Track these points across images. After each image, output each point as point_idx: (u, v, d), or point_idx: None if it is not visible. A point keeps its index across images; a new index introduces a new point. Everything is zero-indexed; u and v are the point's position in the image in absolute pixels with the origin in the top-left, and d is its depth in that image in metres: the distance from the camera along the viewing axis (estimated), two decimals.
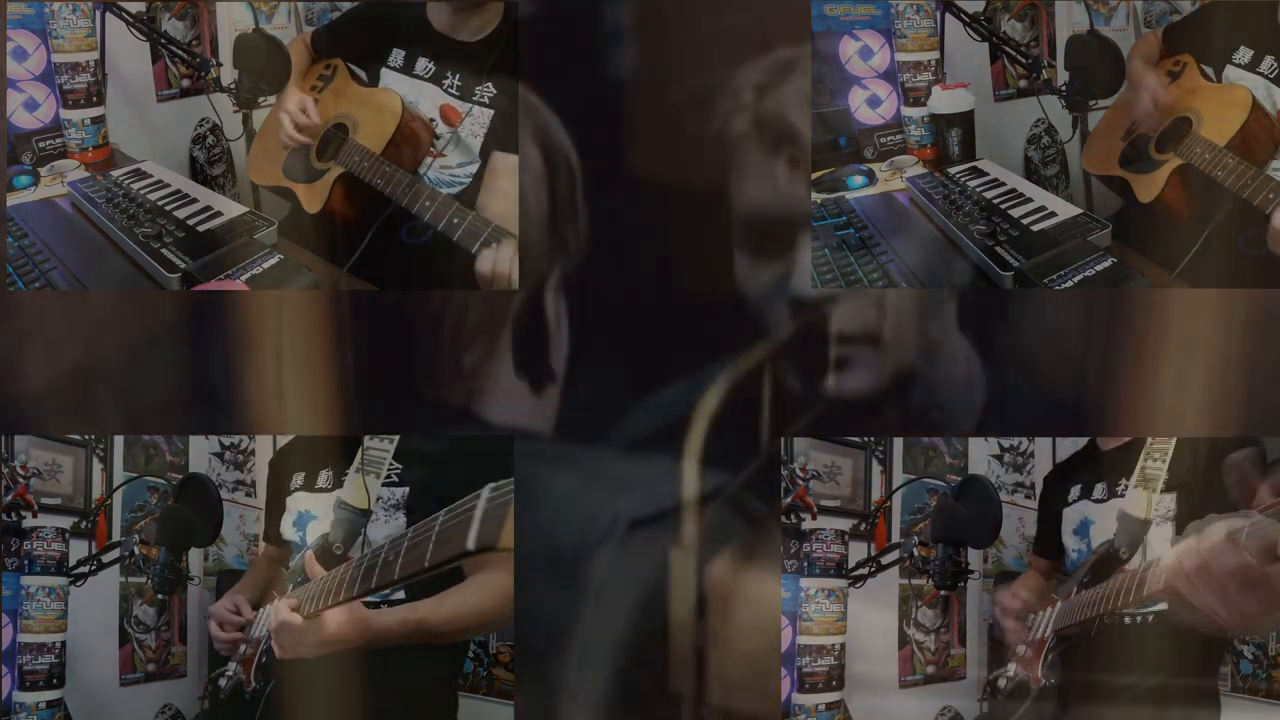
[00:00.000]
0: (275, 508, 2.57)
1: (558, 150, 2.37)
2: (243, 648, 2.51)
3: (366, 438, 2.44)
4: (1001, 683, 2.55)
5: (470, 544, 1.82)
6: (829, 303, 2.44)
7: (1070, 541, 2.53)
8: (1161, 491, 2.44)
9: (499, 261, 2.40)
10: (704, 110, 2.42)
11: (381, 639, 2.37)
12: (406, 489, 2.45)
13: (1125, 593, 2.33)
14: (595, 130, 2.42)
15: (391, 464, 2.44)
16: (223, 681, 2.50)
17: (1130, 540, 2.45)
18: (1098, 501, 2.51)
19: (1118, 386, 2.42)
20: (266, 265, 2.51)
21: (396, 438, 2.43)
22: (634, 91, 2.43)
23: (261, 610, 2.50)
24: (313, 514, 2.51)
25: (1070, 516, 2.54)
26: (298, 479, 2.54)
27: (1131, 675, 2.44)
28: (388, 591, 2.40)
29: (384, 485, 2.44)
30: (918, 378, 2.46)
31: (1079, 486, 2.53)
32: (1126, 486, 2.47)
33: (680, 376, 2.40)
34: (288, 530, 2.53)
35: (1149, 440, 2.45)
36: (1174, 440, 2.43)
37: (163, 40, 2.59)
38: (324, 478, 2.51)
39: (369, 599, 2.38)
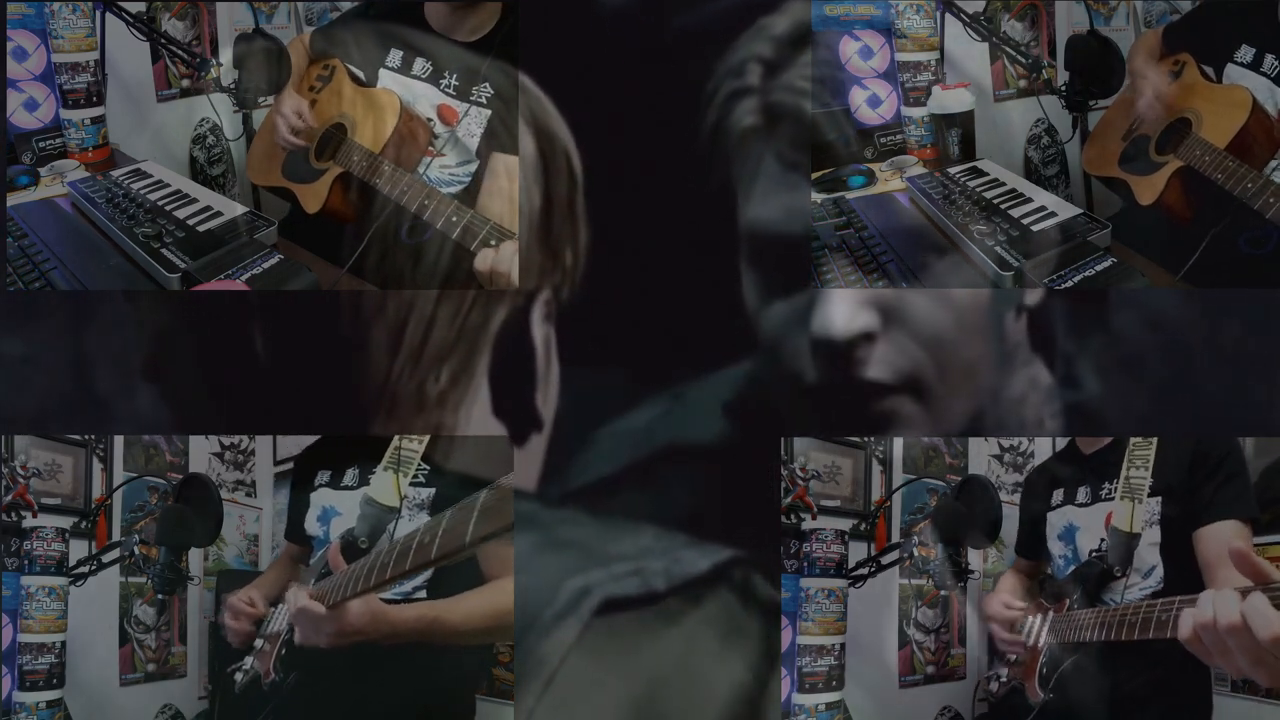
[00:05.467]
0: (299, 505, 2.58)
1: (556, 145, 2.09)
2: (260, 642, 2.51)
3: (398, 436, 2.44)
4: (994, 686, 2.54)
5: (468, 537, 1.86)
6: (863, 343, 2.14)
7: (1056, 548, 2.52)
8: (1147, 496, 2.43)
9: (499, 260, 2.39)
10: (711, 101, 2.21)
11: (399, 633, 2.38)
12: (433, 490, 2.45)
13: (1132, 628, 2.27)
14: (597, 127, 2.11)
15: (420, 465, 2.44)
16: (239, 675, 2.51)
17: (1122, 556, 2.44)
18: (1081, 506, 2.51)
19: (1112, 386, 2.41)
20: (266, 265, 2.51)
21: (427, 437, 2.43)
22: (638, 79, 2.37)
23: (279, 605, 2.51)
24: (337, 510, 2.52)
25: (1054, 521, 2.53)
26: (323, 476, 2.55)
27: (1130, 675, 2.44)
28: (409, 589, 2.41)
29: (411, 484, 2.44)
30: (976, 424, 2.18)
31: (1061, 491, 2.53)
32: (1110, 490, 2.47)
33: (652, 397, 2.17)
34: (311, 525, 2.54)
35: (1130, 446, 2.44)
36: (1154, 445, 2.42)
37: (163, 40, 2.59)
38: (350, 476, 2.52)
39: (389, 595, 2.39)
